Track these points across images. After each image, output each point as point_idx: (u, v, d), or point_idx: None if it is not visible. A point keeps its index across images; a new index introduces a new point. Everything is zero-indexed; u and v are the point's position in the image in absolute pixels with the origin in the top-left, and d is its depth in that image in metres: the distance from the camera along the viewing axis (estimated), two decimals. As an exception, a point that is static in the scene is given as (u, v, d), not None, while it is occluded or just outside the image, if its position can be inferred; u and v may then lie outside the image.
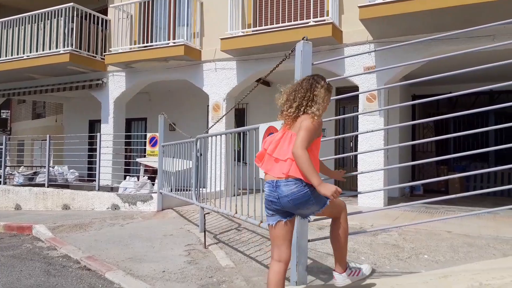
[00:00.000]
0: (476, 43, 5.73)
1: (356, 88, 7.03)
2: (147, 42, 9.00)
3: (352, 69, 6.98)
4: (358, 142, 7.09)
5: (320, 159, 3.41)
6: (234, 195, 4.23)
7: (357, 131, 7.38)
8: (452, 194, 9.22)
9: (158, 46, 8.61)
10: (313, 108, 2.38)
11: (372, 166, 6.73)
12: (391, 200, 7.44)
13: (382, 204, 6.78)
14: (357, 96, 7.04)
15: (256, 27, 7.77)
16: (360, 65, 6.91)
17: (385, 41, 6.62)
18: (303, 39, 2.87)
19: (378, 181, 6.80)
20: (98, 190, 8.08)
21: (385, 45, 6.55)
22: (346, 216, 2.54)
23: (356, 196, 7.32)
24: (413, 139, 9.86)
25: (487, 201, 7.55)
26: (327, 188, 2.24)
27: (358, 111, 7.13)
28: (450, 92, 9.35)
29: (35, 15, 9.76)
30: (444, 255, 3.92)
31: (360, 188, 6.91)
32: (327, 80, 2.55)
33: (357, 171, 7.02)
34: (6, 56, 10.17)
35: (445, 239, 4.42)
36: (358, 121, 7.07)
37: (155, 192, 7.03)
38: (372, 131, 3.32)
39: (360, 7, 5.96)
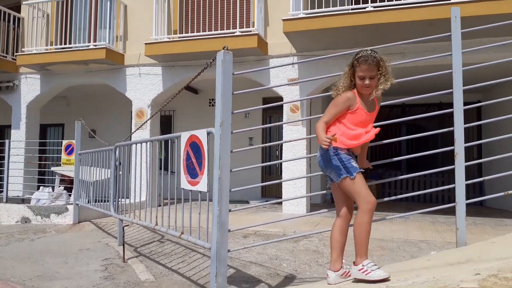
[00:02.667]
0: (389, 59, 6.16)
1: (281, 99, 7.22)
2: (65, 44, 8.47)
3: (277, 81, 7.16)
4: (283, 150, 7.28)
5: (247, 167, 3.40)
6: (160, 205, 4.08)
7: (282, 140, 7.57)
8: (369, 200, 9.79)
9: (78, 48, 8.14)
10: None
11: (296, 174, 6.97)
12: (313, 207, 7.70)
13: (305, 211, 7.00)
14: (282, 107, 7.25)
15: (182, 33, 7.67)
16: (285, 76, 7.11)
17: (308, 54, 6.89)
18: (223, 48, 2.86)
19: (301, 189, 7.03)
20: (6, 202, 7.39)
21: (308, 58, 6.83)
22: (368, 211, 2.43)
23: (280, 203, 7.48)
24: (335, 148, 10.35)
25: (400, 206, 8.12)
26: (320, 137, 2.54)
27: (283, 120, 7.34)
28: (367, 104, 9.84)
29: None
30: (359, 259, 4.11)
31: (284, 195, 7.10)
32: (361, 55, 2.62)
33: (282, 179, 7.21)
34: None
35: (361, 244, 4.64)
36: (283, 131, 7.26)
37: (72, 204, 6.58)
38: (297, 139, 3.40)
39: (284, 20, 6.14)
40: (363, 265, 2.38)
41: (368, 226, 2.44)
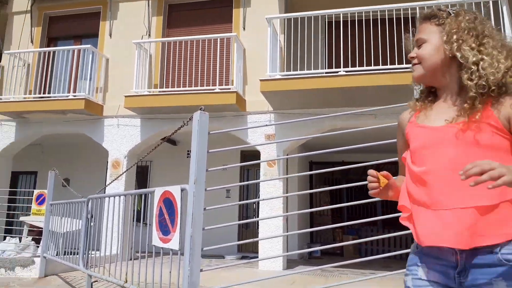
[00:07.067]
0: (361, 119, 6.47)
1: (259, 153, 7.37)
2: (44, 93, 8.51)
3: (254, 136, 7.33)
4: (260, 204, 7.29)
5: (220, 225, 3.34)
6: (131, 259, 3.99)
7: (259, 194, 7.61)
8: (346, 256, 9.71)
9: (57, 98, 8.19)
10: None
11: (272, 228, 6.94)
12: (290, 263, 7.60)
13: (282, 267, 6.92)
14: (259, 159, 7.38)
15: (163, 88, 7.86)
16: (262, 132, 7.29)
17: (284, 112, 7.14)
18: (200, 109, 2.97)
19: (278, 244, 6.97)
20: (-31, 253, 7.04)
21: (284, 115, 7.09)
22: None
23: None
24: (311, 201, 10.44)
25: (377, 263, 8.09)
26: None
27: (260, 174, 7.42)
28: (343, 161, 10.11)
29: None
30: (332, 320, 4.06)
31: (261, 250, 7.03)
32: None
33: (259, 233, 7.17)
34: None
35: (335, 303, 4.59)
36: (260, 184, 7.33)
37: (39, 256, 6.33)
38: (274, 198, 3.46)
39: (261, 80, 6.43)
40: None
41: None
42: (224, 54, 7.54)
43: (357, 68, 6.06)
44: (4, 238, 7.48)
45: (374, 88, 5.84)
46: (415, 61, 1.38)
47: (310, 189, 10.34)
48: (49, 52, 8.66)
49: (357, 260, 3.26)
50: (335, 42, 6.35)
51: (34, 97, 8.53)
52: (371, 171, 1.32)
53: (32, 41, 9.27)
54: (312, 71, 6.31)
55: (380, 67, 5.92)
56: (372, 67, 6.01)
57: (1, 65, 9.20)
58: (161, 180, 9.67)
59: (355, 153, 9.30)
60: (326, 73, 6.21)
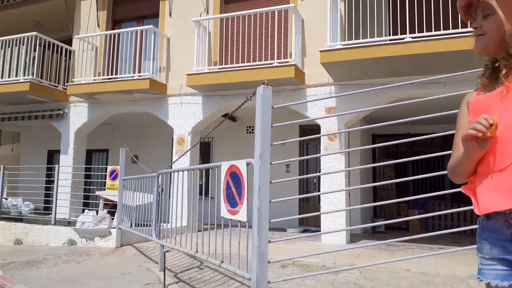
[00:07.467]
0: (429, 88, 6.11)
1: (318, 127, 7.26)
2: (111, 74, 8.95)
3: (314, 109, 7.22)
4: (321, 178, 7.25)
5: (285, 198, 3.40)
6: (200, 231, 4.17)
7: (320, 168, 7.55)
8: (412, 230, 9.44)
9: (123, 79, 8.58)
10: None
11: (334, 202, 6.89)
12: (353, 237, 7.54)
13: (345, 240, 6.88)
14: (319, 132, 7.28)
15: (222, 65, 7.94)
16: (322, 105, 7.15)
17: (345, 83, 6.92)
18: (263, 83, 2.96)
19: (340, 218, 6.92)
20: (54, 224, 7.75)
21: (345, 87, 6.88)
22: None
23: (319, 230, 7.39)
24: (374, 175, 10.18)
25: (444, 238, 7.80)
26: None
27: (320, 148, 7.34)
28: (408, 133, 9.68)
29: (-4, 43, 9.54)
30: (401, 294, 4.00)
31: (323, 224, 7.02)
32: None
33: (320, 206, 7.16)
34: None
35: (404, 278, 4.51)
36: (321, 158, 7.25)
37: (115, 227, 6.82)
38: (335, 172, 3.42)
39: (321, 51, 6.25)
40: None
41: None
42: (282, 27, 7.42)
43: (425, 34, 5.64)
44: (83, 211, 8.12)
45: (446, 54, 5.40)
46: (480, 31, 1.35)
47: (373, 163, 10.08)
48: (114, 35, 9.05)
49: (424, 235, 3.16)
50: (400, 7, 5.96)
51: (102, 79, 9.01)
52: (485, 115, 1.23)
53: (98, 25, 9.72)
54: (375, 38, 6.01)
55: (451, 31, 5.48)
56: (442, 31, 5.57)
57: (72, 49, 9.78)
58: (222, 155, 9.92)
59: (422, 124, 8.86)
60: (390, 40, 5.88)
